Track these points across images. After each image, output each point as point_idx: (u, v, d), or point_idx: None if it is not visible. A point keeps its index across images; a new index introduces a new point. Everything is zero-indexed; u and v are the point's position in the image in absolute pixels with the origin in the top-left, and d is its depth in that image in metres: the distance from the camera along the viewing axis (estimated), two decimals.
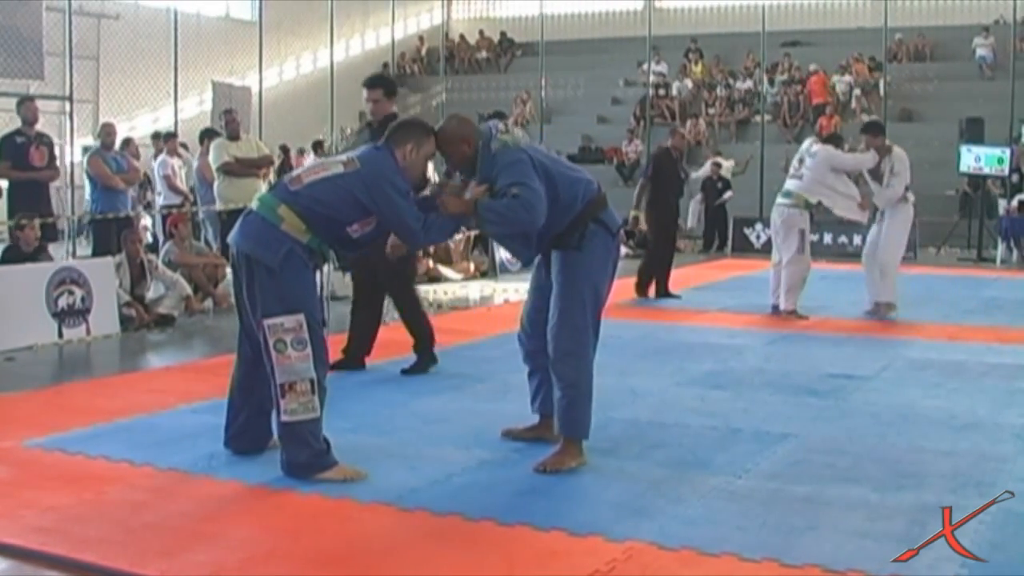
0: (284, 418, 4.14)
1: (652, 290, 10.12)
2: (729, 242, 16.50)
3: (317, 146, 16.08)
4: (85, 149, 12.09)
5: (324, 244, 4.25)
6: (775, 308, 8.83)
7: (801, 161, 8.61)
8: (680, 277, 12.63)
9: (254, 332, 4.29)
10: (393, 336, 8.13)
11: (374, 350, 6.77)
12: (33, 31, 10.23)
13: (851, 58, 21.49)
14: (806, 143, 8.98)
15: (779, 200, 8.71)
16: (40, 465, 4.45)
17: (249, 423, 4.50)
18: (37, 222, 8.27)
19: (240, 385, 4.50)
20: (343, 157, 4.39)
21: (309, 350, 4.13)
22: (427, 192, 4.55)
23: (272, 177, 10.99)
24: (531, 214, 4.23)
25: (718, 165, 16.49)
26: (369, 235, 4.32)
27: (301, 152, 16.88)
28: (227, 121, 10.21)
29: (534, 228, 4.30)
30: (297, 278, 4.17)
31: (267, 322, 4.11)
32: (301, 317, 4.12)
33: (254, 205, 4.28)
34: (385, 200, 4.19)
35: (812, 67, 21.13)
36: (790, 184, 8.66)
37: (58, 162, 10.02)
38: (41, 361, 7.12)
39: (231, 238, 4.31)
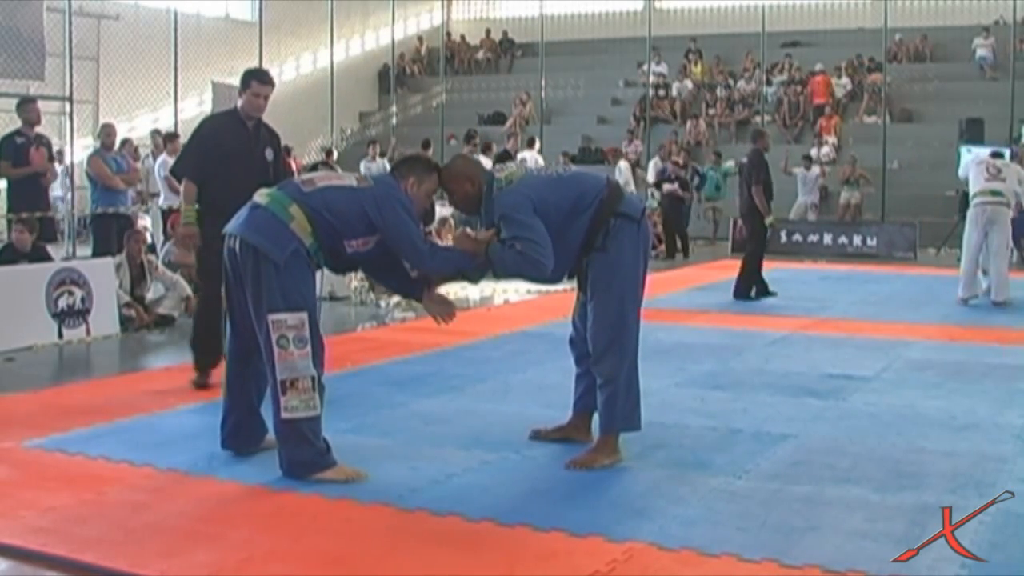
0: (284, 415, 4.13)
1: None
2: (729, 243, 16.48)
3: (328, 155, 16.01)
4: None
5: (321, 251, 4.24)
6: (964, 302, 9.68)
7: (999, 170, 9.82)
8: (679, 277, 12.67)
9: (244, 327, 4.29)
10: (393, 337, 8.15)
11: (373, 352, 6.77)
12: (34, 32, 10.21)
13: (854, 62, 21.51)
14: (982, 158, 10.35)
15: (987, 198, 9.68)
16: (40, 465, 4.45)
17: (241, 422, 4.50)
18: (31, 224, 8.30)
19: (231, 383, 4.50)
20: (355, 174, 4.49)
21: (309, 348, 4.13)
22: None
23: None
24: (537, 269, 4.29)
25: (676, 163, 16.28)
26: (362, 255, 4.33)
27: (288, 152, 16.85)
28: None
29: (543, 276, 4.36)
30: (302, 277, 4.18)
31: (271, 317, 4.11)
32: (304, 315, 4.13)
33: (263, 200, 4.26)
34: (394, 218, 4.22)
35: (819, 67, 21.11)
36: (996, 185, 9.71)
37: (56, 164, 10.03)
38: (41, 361, 7.12)
39: (233, 228, 4.27)
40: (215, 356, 6.05)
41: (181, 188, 6.17)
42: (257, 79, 6.02)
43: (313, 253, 4.21)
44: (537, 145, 17.14)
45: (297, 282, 4.15)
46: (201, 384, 5.97)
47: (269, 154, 6.08)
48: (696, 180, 17.31)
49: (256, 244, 4.15)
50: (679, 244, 15.80)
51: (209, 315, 6.06)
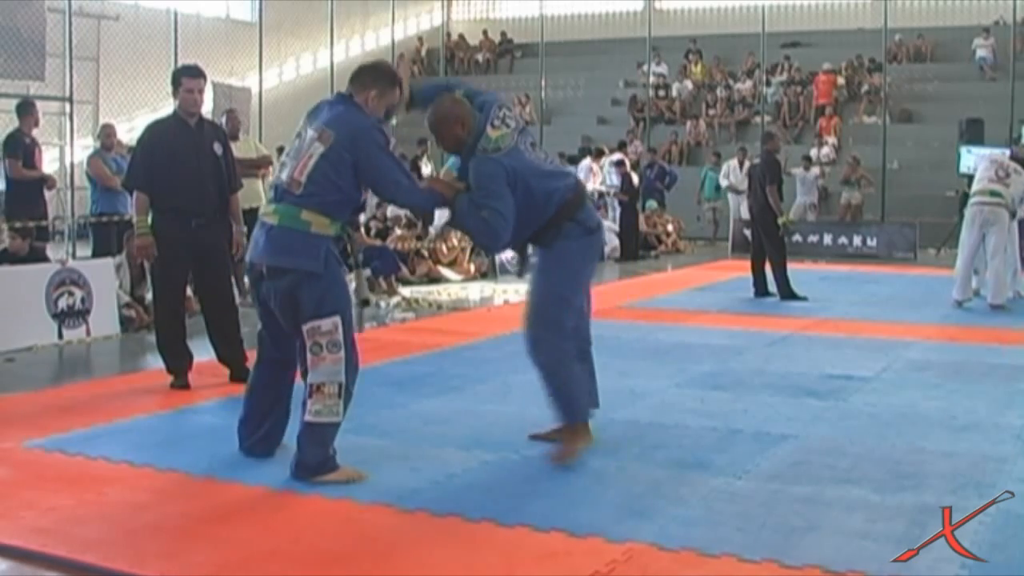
0: (308, 418, 4.14)
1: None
2: (729, 242, 16.50)
3: None
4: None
5: (346, 224, 4.28)
6: (959, 304, 9.62)
7: (1007, 174, 9.67)
8: (679, 277, 12.68)
9: (282, 335, 4.28)
10: (393, 337, 8.15)
11: (373, 352, 6.73)
12: (34, 32, 10.22)
13: (854, 62, 21.51)
14: (997, 157, 10.37)
15: (985, 199, 9.61)
16: (40, 466, 4.45)
17: (274, 429, 4.49)
18: (26, 232, 8.35)
19: (266, 390, 4.46)
20: (312, 132, 4.21)
21: (342, 353, 4.13)
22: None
23: (272, 178, 10.98)
24: (492, 240, 4.47)
25: (621, 163, 16.11)
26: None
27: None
28: (228, 119, 10.17)
29: (495, 247, 4.55)
30: (336, 279, 4.19)
31: (306, 327, 4.12)
32: (337, 319, 4.13)
33: (273, 220, 4.19)
34: (368, 161, 4.13)
35: (826, 66, 21.10)
36: (996, 187, 9.63)
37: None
38: (41, 362, 7.12)
39: (257, 256, 4.21)
40: (184, 358, 6.07)
41: (132, 200, 6.17)
42: (186, 75, 5.99)
43: (341, 234, 4.24)
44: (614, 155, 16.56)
45: (333, 285, 4.16)
46: (179, 386, 5.98)
47: (218, 149, 6.09)
48: (667, 179, 17.29)
49: (290, 266, 4.12)
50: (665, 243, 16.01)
51: (169, 318, 6.07)
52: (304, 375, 4.19)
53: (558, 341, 4.46)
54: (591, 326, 4.81)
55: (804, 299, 10.11)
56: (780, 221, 10.15)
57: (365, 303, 9.62)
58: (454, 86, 4.76)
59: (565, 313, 4.47)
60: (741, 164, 16.81)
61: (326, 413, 4.13)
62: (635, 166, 17.27)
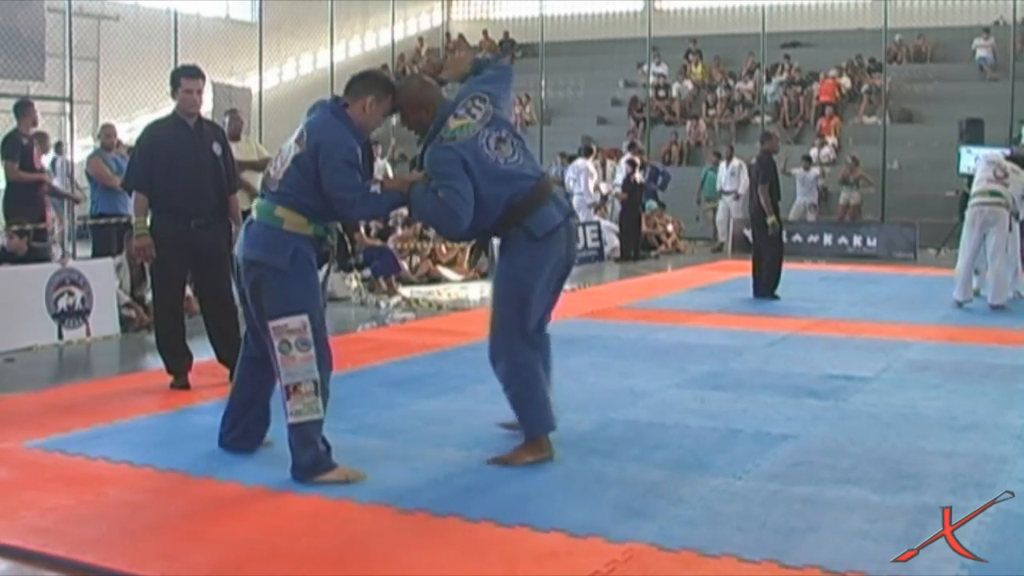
0: (291, 420, 4.16)
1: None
2: (729, 243, 16.49)
3: None
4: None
5: (327, 228, 4.30)
6: (960, 305, 9.59)
7: (1005, 174, 9.70)
8: (679, 277, 12.69)
9: (260, 333, 4.31)
10: (393, 337, 8.15)
11: (373, 352, 6.75)
12: (34, 32, 10.22)
13: (854, 62, 21.52)
14: (995, 157, 10.25)
15: (986, 199, 9.62)
16: (40, 466, 4.45)
17: (253, 426, 4.53)
18: (28, 228, 8.35)
19: (246, 386, 4.51)
20: (295, 134, 4.29)
21: (313, 351, 4.15)
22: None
23: None
24: (451, 220, 4.32)
25: (632, 164, 16.01)
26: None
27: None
28: (231, 119, 10.16)
29: (456, 230, 4.42)
30: (304, 278, 4.20)
31: (272, 324, 4.14)
32: (305, 318, 4.14)
33: (253, 214, 4.30)
34: (324, 175, 4.14)
35: (832, 73, 21.12)
36: (996, 186, 9.65)
37: (54, 154, 10.11)
38: (41, 362, 7.12)
39: (236, 250, 4.34)
40: (184, 358, 6.07)
41: (131, 201, 6.18)
42: (185, 75, 5.99)
43: (322, 235, 4.25)
44: (593, 151, 16.62)
45: (299, 284, 4.17)
46: (179, 386, 5.98)
47: (217, 149, 6.10)
48: (660, 180, 17.23)
49: (255, 257, 4.19)
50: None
51: (169, 318, 6.07)
52: (278, 376, 4.19)
53: (515, 354, 4.46)
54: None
55: (777, 298, 10.19)
56: (768, 221, 10.15)
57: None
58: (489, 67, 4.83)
59: (524, 329, 4.46)
60: (728, 163, 16.82)
61: (307, 412, 4.14)
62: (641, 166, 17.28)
